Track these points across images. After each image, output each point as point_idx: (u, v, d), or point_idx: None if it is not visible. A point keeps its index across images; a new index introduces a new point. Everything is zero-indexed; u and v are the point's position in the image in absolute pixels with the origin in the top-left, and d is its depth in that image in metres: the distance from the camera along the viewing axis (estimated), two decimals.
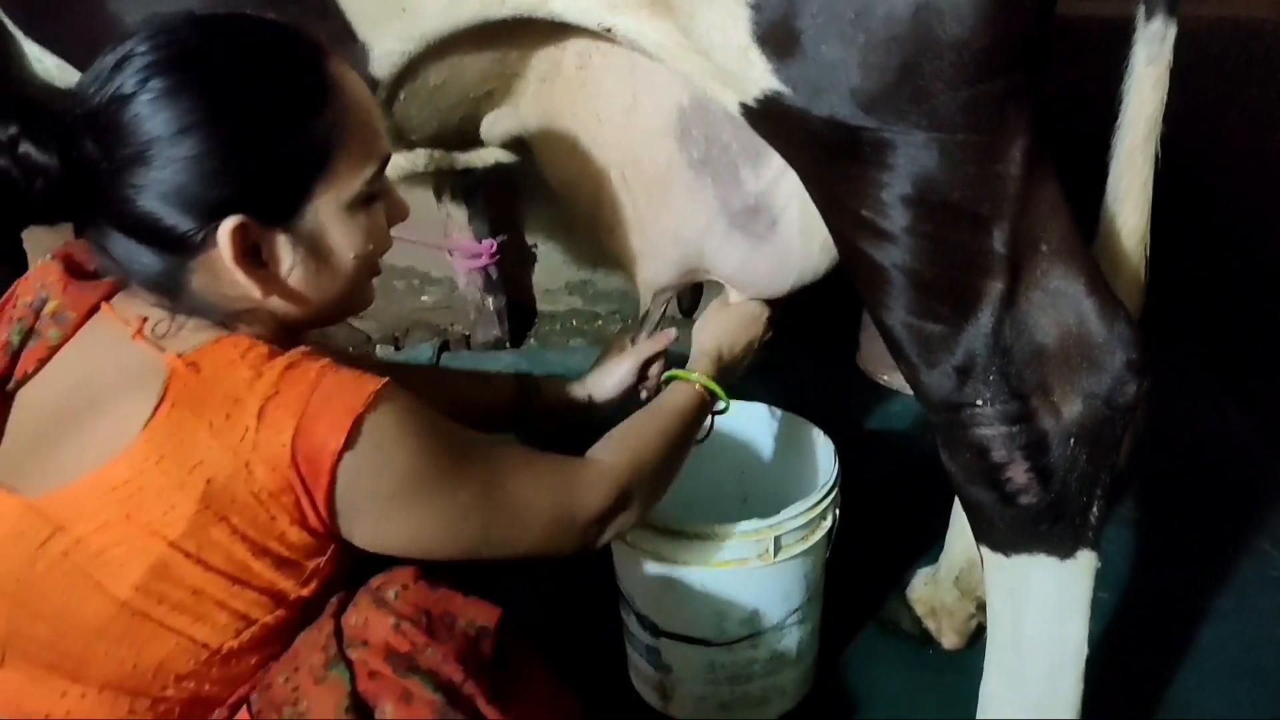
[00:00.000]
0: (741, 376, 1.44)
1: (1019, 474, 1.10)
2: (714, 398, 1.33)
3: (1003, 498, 1.12)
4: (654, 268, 1.43)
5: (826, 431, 1.58)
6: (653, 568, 1.40)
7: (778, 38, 0.99)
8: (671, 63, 1.12)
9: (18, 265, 1.61)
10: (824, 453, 1.54)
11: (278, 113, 0.90)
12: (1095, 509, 1.13)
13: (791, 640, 1.48)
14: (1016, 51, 0.97)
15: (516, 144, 1.44)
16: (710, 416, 1.39)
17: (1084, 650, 1.19)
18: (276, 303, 0.95)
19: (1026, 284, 1.06)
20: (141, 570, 0.85)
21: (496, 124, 1.36)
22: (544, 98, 1.30)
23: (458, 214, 2.53)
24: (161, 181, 0.85)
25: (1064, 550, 1.14)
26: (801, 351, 2.53)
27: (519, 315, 2.81)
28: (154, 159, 0.85)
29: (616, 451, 1.14)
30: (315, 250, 0.95)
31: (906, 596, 1.70)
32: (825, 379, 2.48)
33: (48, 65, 1.40)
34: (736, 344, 1.39)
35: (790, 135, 1.08)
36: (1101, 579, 1.80)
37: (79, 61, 1.35)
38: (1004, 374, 1.07)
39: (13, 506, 0.86)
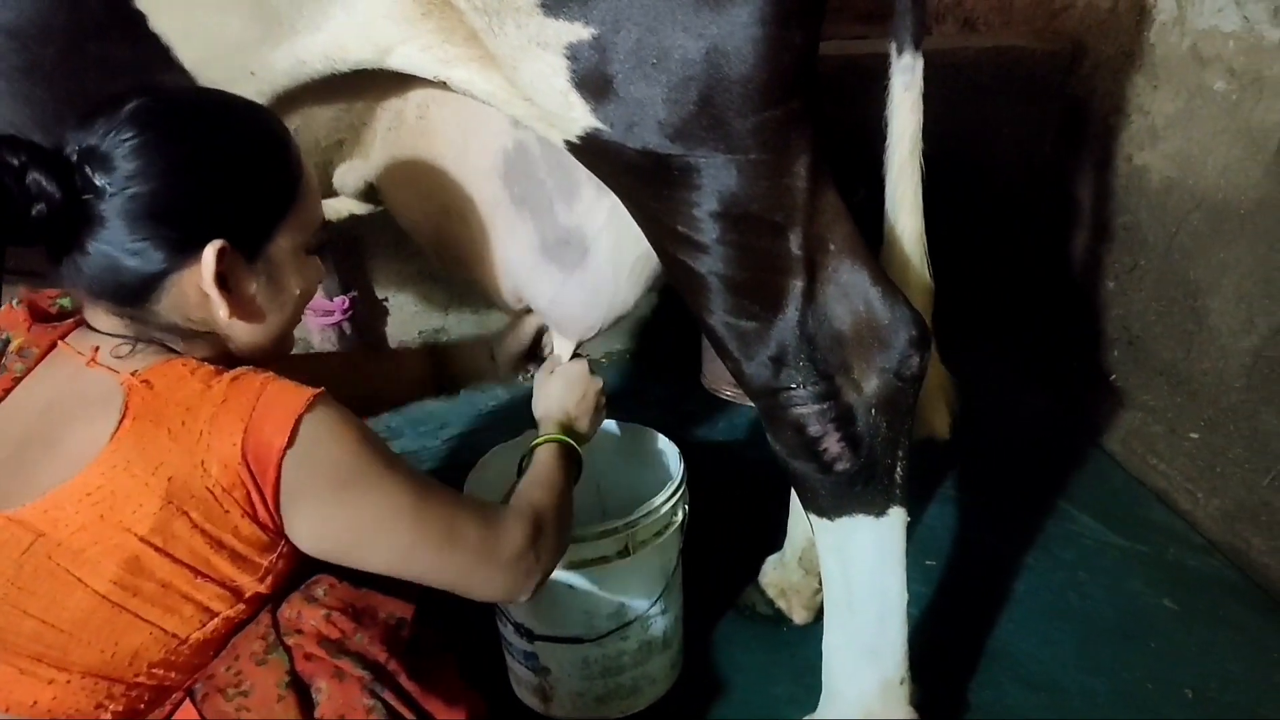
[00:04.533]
0: (592, 433, 1.50)
1: (833, 444, 1.27)
2: (570, 447, 1.38)
3: (821, 467, 1.29)
4: (500, 298, 1.55)
5: (677, 443, 1.72)
6: None
7: (593, 82, 1.14)
8: (502, 108, 1.25)
9: None
10: (671, 457, 1.69)
11: (257, 163, 1.05)
12: (899, 470, 1.30)
13: (657, 629, 1.62)
14: (792, 83, 1.15)
15: (368, 195, 1.54)
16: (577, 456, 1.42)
17: (904, 595, 1.36)
18: (233, 326, 1.06)
19: (821, 280, 1.23)
20: (117, 565, 0.94)
21: (349, 174, 1.46)
22: (390, 145, 1.41)
23: None
24: (158, 205, 0.97)
25: (878, 509, 1.31)
26: (650, 376, 2.70)
27: None
28: (153, 188, 0.97)
29: (519, 502, 1.22)
30: (272, 281, 1.08)
31: (759, 582, 1.86)
32: (673, 398, 2.65)
33: None
34: (569, 403, 1.46)
35: (610, 165, 1.23)
36: (928, 548, 2.04)
37: None
38: (811, 359, 1.24)
39: None
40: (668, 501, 1.55)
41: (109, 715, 0.97)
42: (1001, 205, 2.77)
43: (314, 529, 1.03)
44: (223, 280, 1.03)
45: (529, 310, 1.58)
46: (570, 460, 1.36)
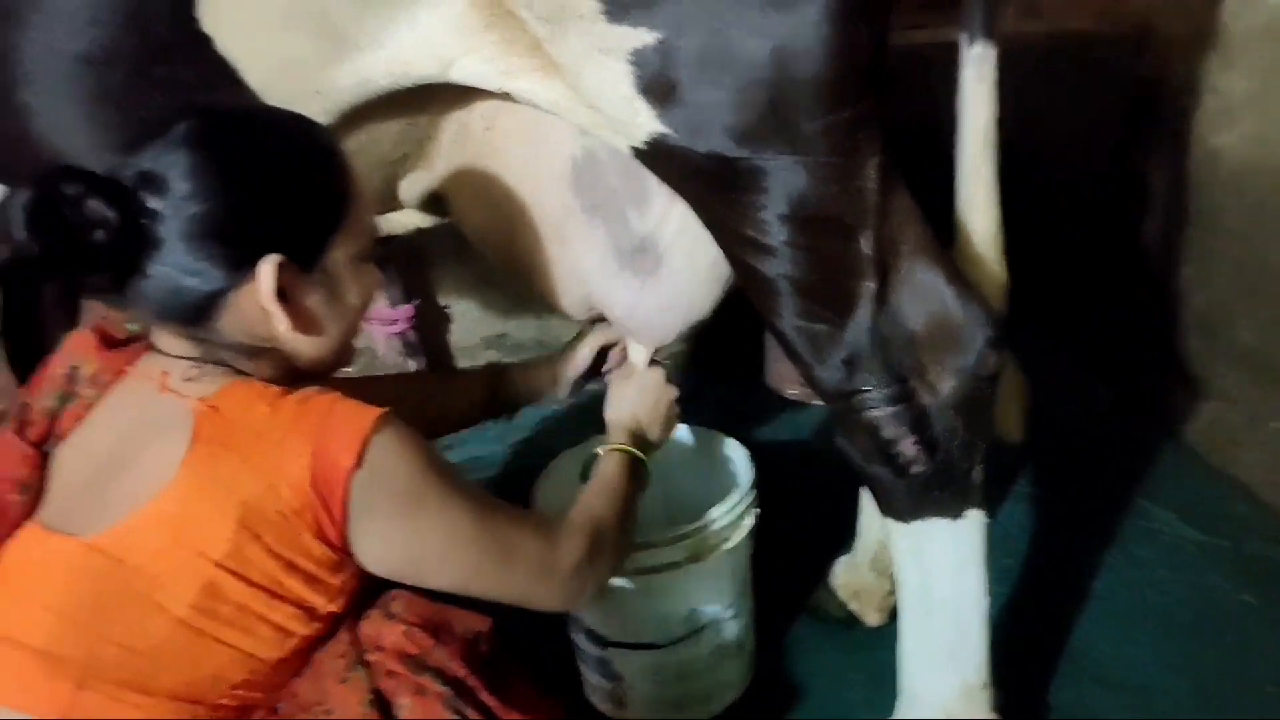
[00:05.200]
0: (662, 442, 1.52)
1: (908, 447, 1.25)
2: (636, 459, 1.39)
3: (896, 470, 1.26)
4: (569, 304, 1.55)
5: (742, 444, 1.71)
6: None
7: (658, 88, 1.13)
8: (566, 116, 1.25)
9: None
10: (739, 460, 1.67)
11: (307, 176, 1.06)
12: (976, 472, 1.28)
13: (729, 634, 1.60)
14: (861, 83, 1.12)
15: (433, 206, 1.55)
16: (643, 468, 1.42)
17: (985, 600, 1.33)
18: (296, 340, 1.07)
19: (894, 281, 1.21)
20: (195, 590, 0.95)
21: (415, 186, 1.47)
22: (456, 157, 1.42)
23: None
24: (214, 225, 0.99)
25: (955, 511, 1.29)
26: (714, 376, 2.69)
27: None
28: (208, 208, 0.99)
29: (579, 513, 1.23)
30: (330, 293, 1.10)
31: (830, 584, 1.84)
32: (737, 399, 2.63)
33: None
34: (642, 410, 1.47)
35: (678, 170, 1.22)
36: (1004, 547, 2.01)
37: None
38: (885, 361, 1.22)
39: (72, 548, 0.97)
40: (737, 506, 1.54)
41: None
42: (1069, 193, 2.70)
43: (378, 549, 1.05)
44: (282, 294, 1.04)
45: (595, 320, 1.57)
46: (636, 471, 1.36)
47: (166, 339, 1.07)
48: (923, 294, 1.22)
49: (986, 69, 1.26)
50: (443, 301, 2.82)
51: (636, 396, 1.48)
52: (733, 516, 1.52)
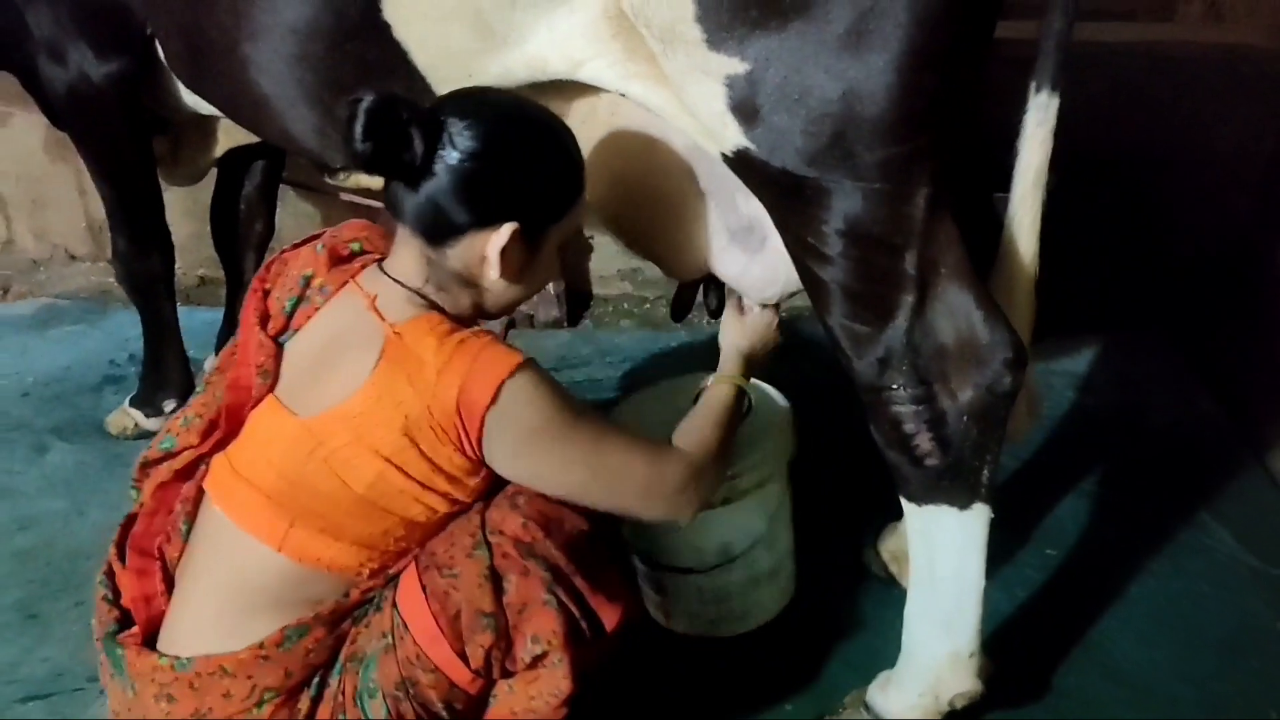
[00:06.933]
0: (761, 371, 1.77)
1: (924, 442, 1.43)
2: (743, 391, 1.65)
3: (912, 460, 1.45)
4: (673, 269, 1.79)
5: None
6: None
7: (745, 109, 1.32)
8: (671, 119, 1.46)
9: None
10: (777, 411, 1.85)
11: (563, 172, 1.40)
12: (986, 471, 1.45)
13: (761, 565, 1.82)
14: (919, 125, 1.29)
15: None
16: (746, 400, 1.69)
17: (982, 580, 1.50)
18: (494, 285, 1.38)
19: (930, 298, 1.38)
20: (370, 476, 1.28)
21: None
22: (583, 136, 1.64)
23: None
24: (485, 182, 1.31)
25: (962, 502, 1.46)
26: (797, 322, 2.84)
27: (576, 299, 3.18)
28: (487, 169, 1.31)
29: (692, 442, 1.48)
30: (531, 262, 1.39)
31: (875, 546, 2.03)
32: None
33: (197, 101, 1.86)
34: (755, 345, 1.73)
35: (756, 178, 1.41)
36: (1052, 539, 2.13)
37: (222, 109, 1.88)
38: (914, 365, 1.40)
39: (292, 424, 1.31)
40: (767, 455, 1.73)
41: (366, 571, 1.34)
42: (1209, 203, 2.70)
43: (506, 467, 1.34)
44: (503, 251, 1.33)
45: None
46: (738, 399, 1.62)
47: (397, 260, 1.37)
48: (954, 312, 1.38)
49: (1047, 115, 1.39)
50: (587, 232, 3.08)
51: (749, 332, 1.74)
52: (756, 464, 1.71)
